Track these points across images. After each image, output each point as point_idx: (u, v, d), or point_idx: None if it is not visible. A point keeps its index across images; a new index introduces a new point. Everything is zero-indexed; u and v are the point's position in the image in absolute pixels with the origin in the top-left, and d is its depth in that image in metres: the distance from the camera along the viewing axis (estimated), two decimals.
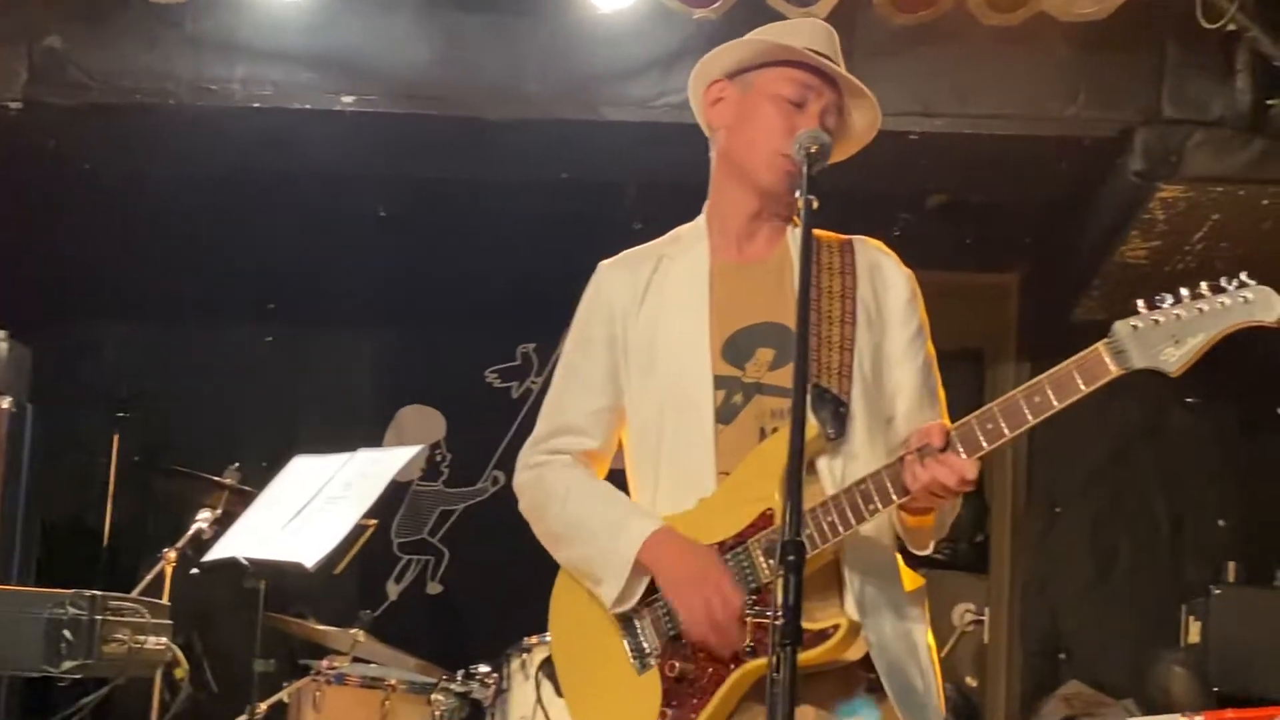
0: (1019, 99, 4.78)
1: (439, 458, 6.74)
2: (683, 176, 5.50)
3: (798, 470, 2.16)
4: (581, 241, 6.31)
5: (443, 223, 6.43)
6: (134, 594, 4.66)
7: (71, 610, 2.07)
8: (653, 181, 5.87)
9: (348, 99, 4.92)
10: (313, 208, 6.25)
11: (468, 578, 6.64)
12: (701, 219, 2.84)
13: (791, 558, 2.08)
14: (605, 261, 2.88)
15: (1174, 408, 6.25)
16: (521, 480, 2.81)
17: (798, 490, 2.15)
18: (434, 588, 6.67)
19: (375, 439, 6.71)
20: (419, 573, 6.69)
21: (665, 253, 2.82)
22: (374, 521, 3.95)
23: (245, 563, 3.86)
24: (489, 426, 6.69)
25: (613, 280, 2.82)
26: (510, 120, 5.04)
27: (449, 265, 6.55)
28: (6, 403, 4.85)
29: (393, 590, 6.65)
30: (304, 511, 3.96)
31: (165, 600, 4.44)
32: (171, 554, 4.77)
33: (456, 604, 6.62)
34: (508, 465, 6.47)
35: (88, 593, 2.08)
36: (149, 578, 4.78)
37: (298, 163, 5.62)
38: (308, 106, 4.93)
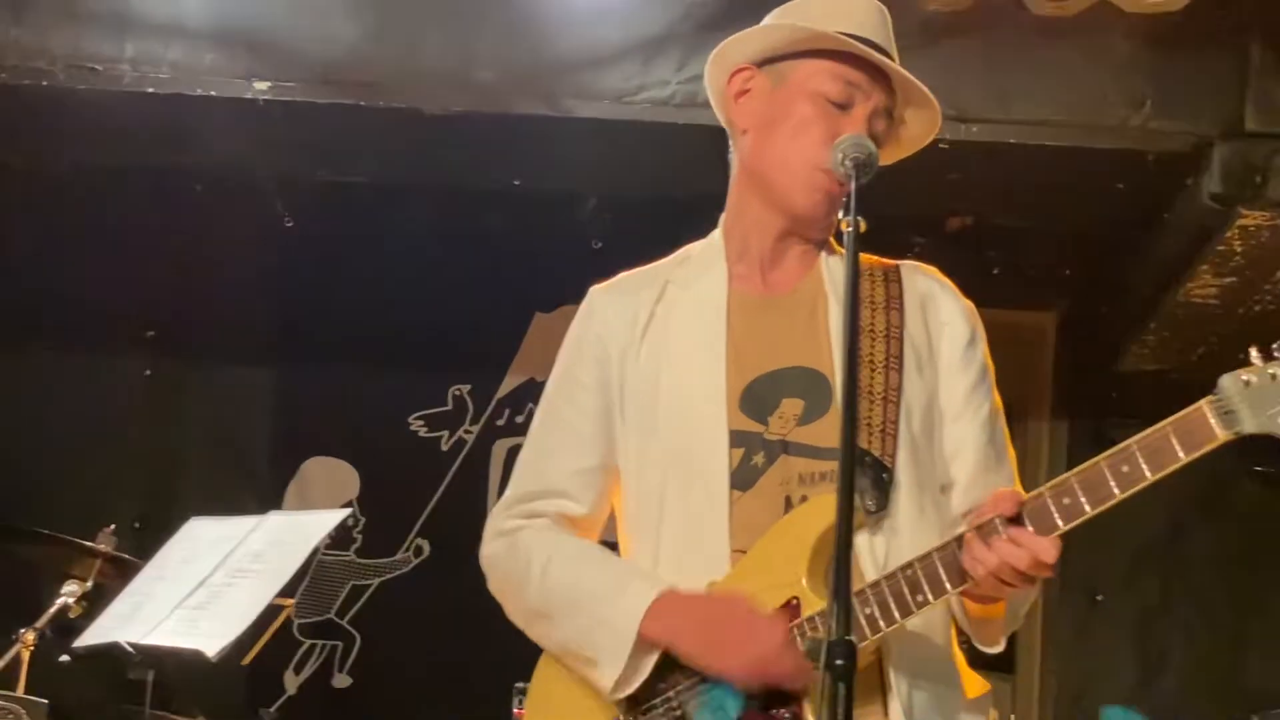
0: (1072, 104, 4.78)
1: (350, 521, 6.67)
2: (657, 189, 5.54)
3: (846, 551, 2.13)
4: (529, 262, 6.43)
5: (362, 236, 6.39)
6: None
7: None
8: (619, 193, 5.88)
9: (260, 85, 4.86)
10: (205, 215, 6.20)
11: (383, 669, 6.55)
12: (717, 237, 2.80)
13: (840, 662, 2.03)
14: (598, 286, 2.83)
15: (1240, 478, 6.27)
16: (490, 552, 2.75)
17: (846, 576, 2.11)
18: (342, 680, 6.58)
19: (274, 497, 6.64)
20: (323, 661, 6.60)
21: (672, 277, 2.77)
22: (290, 601, 3.88)
23: (130, 650, 3.77)
24: (413, 484, 6.65)
25: (607, 310, 2.77)
26: (454, 114, 5.00)
27: (368, 288, 6.50)
28: None
29: (291, 682, 6.55)
30: (203, 587, 3.88)
31: (20, 693, 4.34)
32: (29, 636, 4.65)
33: (368, 701, 6.53)
34: (435, 532, 6.63)
35: None
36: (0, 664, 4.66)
37: (191, 160, 5.58)
38: (211, 93, 4.87)
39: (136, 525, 5.89)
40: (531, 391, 6.76)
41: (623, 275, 2.83)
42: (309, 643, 6.56)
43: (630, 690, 2.53)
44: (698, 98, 4.77)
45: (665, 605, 2.51)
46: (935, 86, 2.73)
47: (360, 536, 6.65)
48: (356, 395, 6.72)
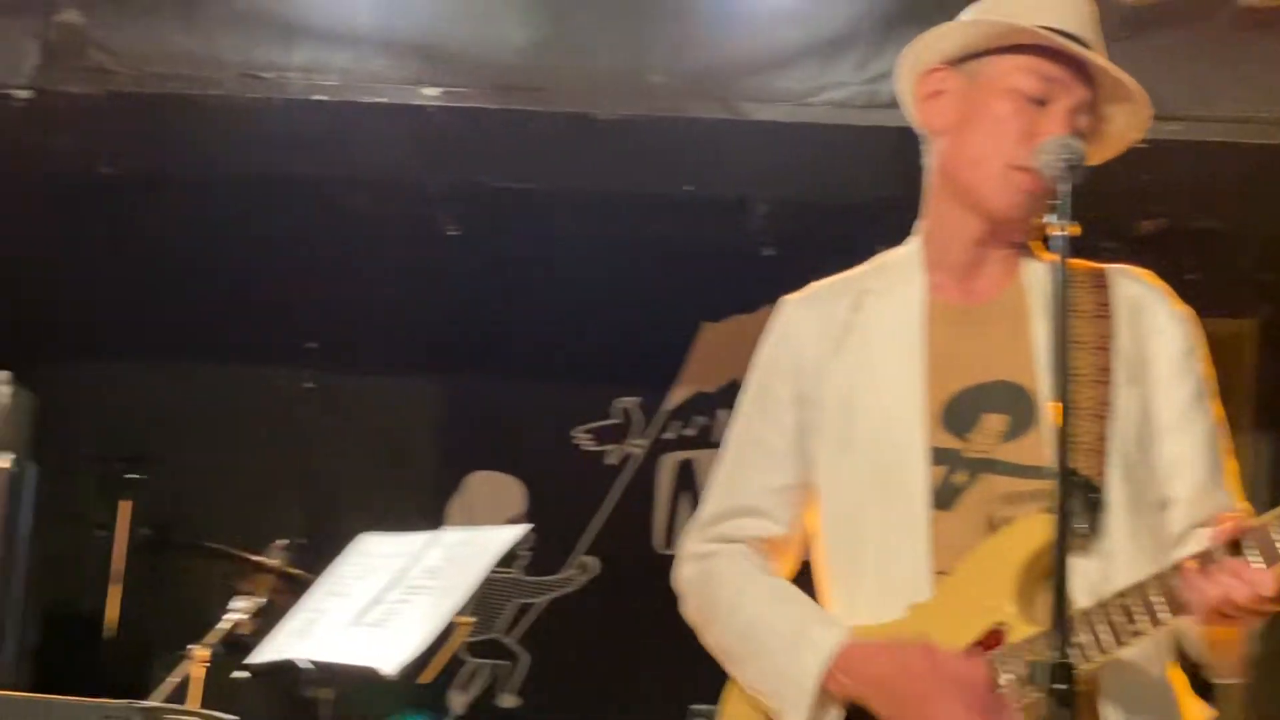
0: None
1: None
2: (832, 193, 5.53)
3: (1063, 574, 2.11)
4: (698, 271, 6.45)
5: (527, 245, 6.44)
6: (153, 701, 4.69)
7: None
8: (789, 198, 5.87)
9: (430, 91, 4.95)
10: (369, 224, 6.29)
11: (551, 689, 6.60)
12: (915, 245, 2.77)
13: (1062, 686, 2.01)
14: (790, 297, 2.82)
15: None
16: (685, 576, 2.75)
17: (1064, 599, 2.09)
18: (508, 700, 6.65)
19: (438, 512, 6.72)
20: (489, 681, 6.66)
21: (868, 287, 2.75)
22: (470, 619, 3.92)
23: (307, 666, 3.82)
24: (579, 499, 6.70)
25: (801, 322, 2.76)
26: (625, 118, 5.05)
27: (533, 298, 6.55)
28: (5, 460, 4.87)
29: (457, 702, 6.63)
30: (378, 604, 3.92)
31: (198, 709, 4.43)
32: (202, 652, 4.76)
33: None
34: (603, 549, 6.66)
35: (141, 704, 2.06)
36: (173, 682, 4.76)
37: (356, 168, 5.67)
38: (382, 100, 4.96)
39: (300, 540, 5.96)
40: (700, 404, 6.78)
41: (816, 285, 2.81)
42: (475, 662, 6.63)
43: None
44: (879, 98, 4.76)
45: (850, 659, 2.49)
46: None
47: (527, 554, 6.71)
48: (521, 407, 6.79)
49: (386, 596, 3.96)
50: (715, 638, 2.69)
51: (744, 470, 2.75)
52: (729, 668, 2.67)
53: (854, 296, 2.74)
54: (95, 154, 5.55)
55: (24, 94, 4.94)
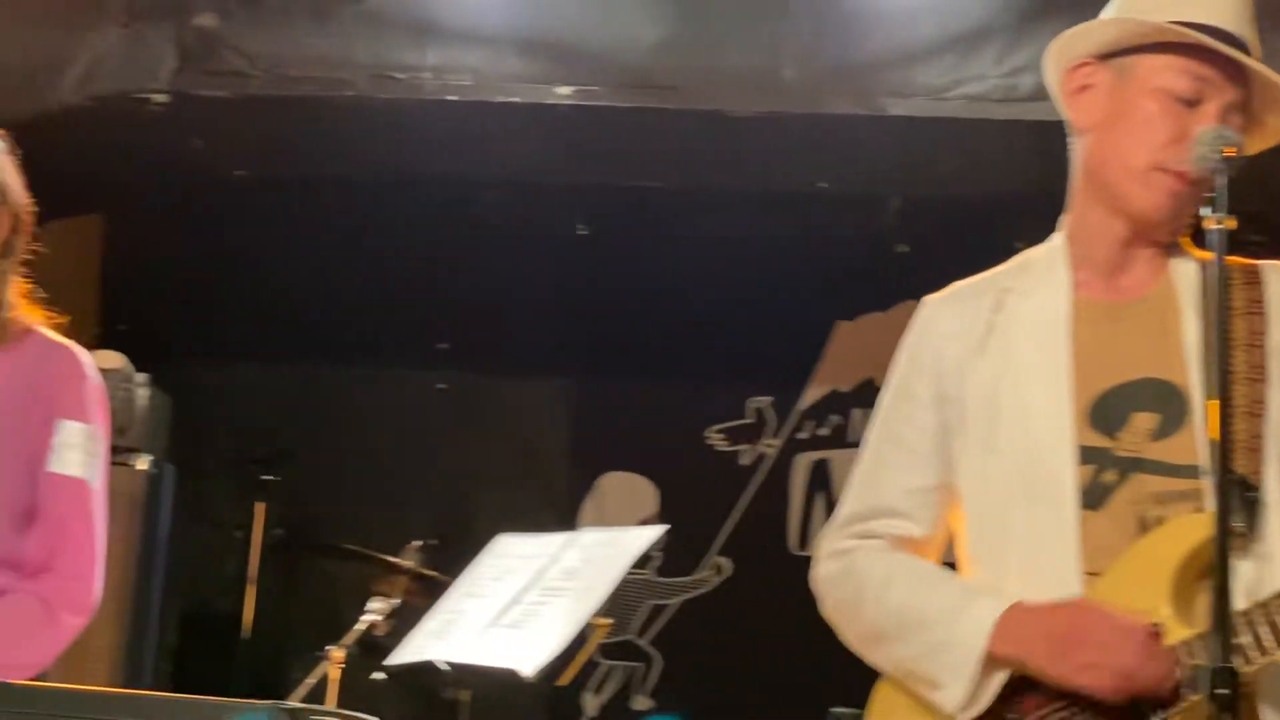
0: None
1: None
2: (968, 188, 5.48)
3: (1224, 575, 2.08)
4: (831, 268, 6.43)
5: (659, 243, 6.45)
6: (296, 696, 4.76)
7: None
8: (924, 194, 5.84)
9: (563, 90, 4.97)
10: (500, 224, 6.33)
11: (685, 691, 6.60)
12: (1058, 241, 2.74)
13: (1224, 691, 1.99)
14: (931, 297, 2.80)
15: None
16: (825, 574, 2.74)
17: (1225, 600, 2.06)
18: (642, 702, 6.66)
19: (571, 512, 6.75)
20: (623, 683, 6.68)
21: (1011, 286, 2.72)
22: (608, 621, 3.92)
23: (445, 668, 3.85)
24: (712, 500, 6.69)
25: (942, 321, 2.74)
26: (759, 115, 5.04)
27: (664, 297, 6.56)
28: (144, 462, 4.96)
29: (591, 704, 6.65)
30: (516, 605, 3.94)
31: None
32: (338, 653, 4.81)
33: None
34: (737, 549, 6.65)
35: (286, 705, 2.08)
36: (309, 683, 4.83)
37: (488, 169, 5.71)
38: (514, 100, 4.99)
39: (432, 541, 6.01)
40: (834, 403, 6.76)
41: (957, 284, 2.79)
42: (609, 663, 6.65)
43: (977, 712, 2.49)
44: (1017, 92, 4.72)
45: (1012, 620, 2.47)
46: None
47: (660, 554, 6.72)
48: (653, 407, 6.80)
49: (524, 598, 3.98)
50: (862, 625, 2.67)
51: (883, 471, 2.74)
52: (878, 652, 2.65)
53: (996, 295, 2.72)
54: (229, 157, 5.62)
55: (161, 98, 5.02)
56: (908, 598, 2.61)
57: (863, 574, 2.67)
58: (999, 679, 2.48)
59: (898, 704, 2.65)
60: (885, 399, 2.79)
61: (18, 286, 2.91)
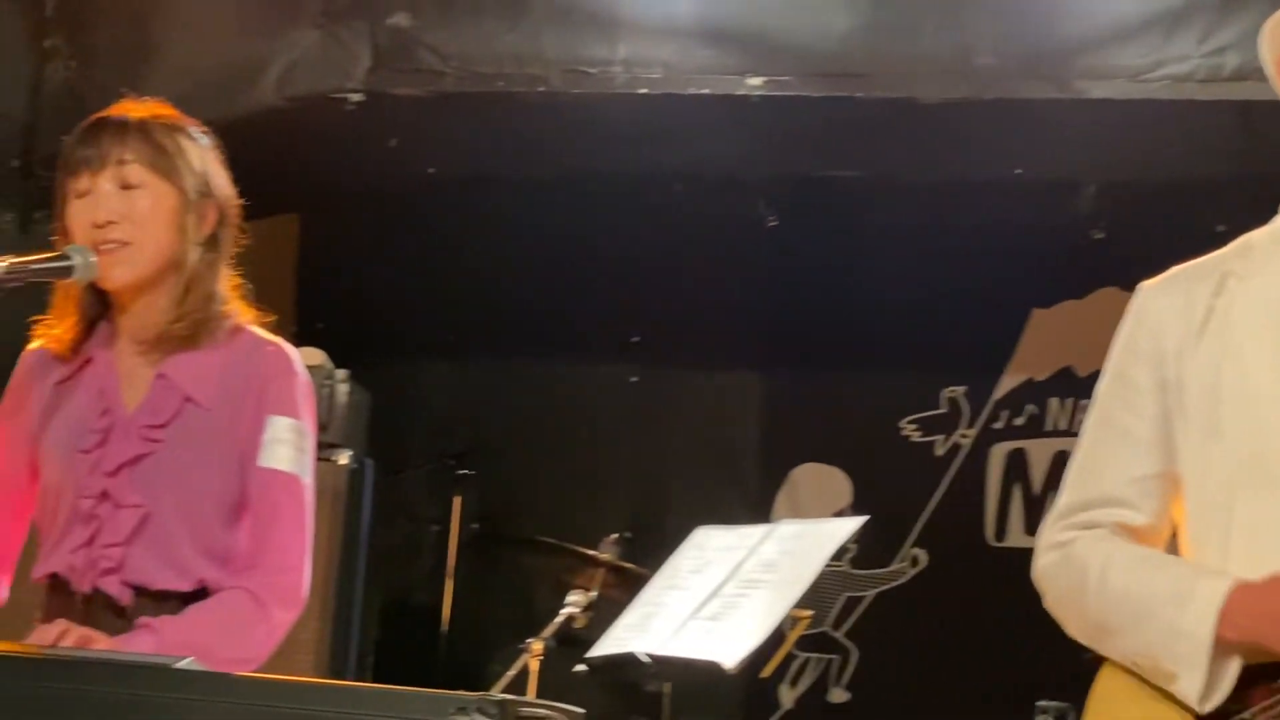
0: None
1: None
2: (1168, 172, 5.36)
3: None
4: (1026, 256, 6.33)
5: (849, 233, 6.42)
6: (496, 689, 4.80)
7: (477, 718, 2.07)
8: (1121, 179, 5.73)
9: (753, 81, 4.95)
10: (690, 217, 6.33)
11: (882, 684, 6.56)
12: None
13: None
14: (1147, 283, 2.75)
15: None
16: (1044, 566, 2.70)
17: None
18: (838, 695, 6.63)
19: (764, 505, 6.74)
20: (819, 675, 6.65)
21: (1231, 269, 2.66)
22: (808, 613, 3.92)
23: (645, 660, 3.88)
24: (906, 491, 6.64)
25: (1160, 307, 2.69)
26: (953, 101, 4.97)
27: (856, 288, 6.52)
28: (345, 458, 5.04)
29: (787, 696, 6.64)
30: (715, 597, 3.96)
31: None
32: (537, 645, 4.85)
33: (867, 717, 6.55)
34: (932, 541, 6.59)
35: (495, 696, 2.09)
36: (509, 674, 4.87)
37: (678, 162, 5.71)
38: (705, 92, 4.99)
39: (626, 534, 6.04)
40: (1030, 392, 6.67)
41: (1174, 270, 2.74)
42: (804, 656, 6.63)
43: (1219, 700, 2.43)
44: (1221, 72, 4.62)
45: (1241, 601, 2.42)
46: None
47: (854, 546, 6.68)
48: (846, 398, 6.76)
49: (724, 590, 4.00)
50: (1085, 616, 2.63)
51: (1104, 460, 2.69)
52: (1105, 645, 2.60)
53: (1216, 280, 2.66)
54: (422, 155, 5.68)
55: (356, 98, 5.09)
56: (1128, 585, 2.56)
57: (1082, 562, 2.63)
58: (1235, 666, 2.42)
59: (1120, 689, 2.59)
60: (1102, 387, 2.75)
61: (228, 280, 2.96)
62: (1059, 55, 4.82)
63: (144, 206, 2.81)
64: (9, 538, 2.99)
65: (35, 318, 2.95)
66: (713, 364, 6.84)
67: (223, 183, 2.94)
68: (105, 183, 2.80)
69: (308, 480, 2.91)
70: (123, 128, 2.83)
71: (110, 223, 2.78)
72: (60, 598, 2.85)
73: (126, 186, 2.80)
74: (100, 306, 2.92)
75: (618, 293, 6.67)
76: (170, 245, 2.84)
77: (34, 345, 2.98)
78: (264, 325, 3.00)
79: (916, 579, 6.60)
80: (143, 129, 2.84)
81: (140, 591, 2.80)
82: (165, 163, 2.83)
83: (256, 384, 2.87)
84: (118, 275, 2.82)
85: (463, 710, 2.08)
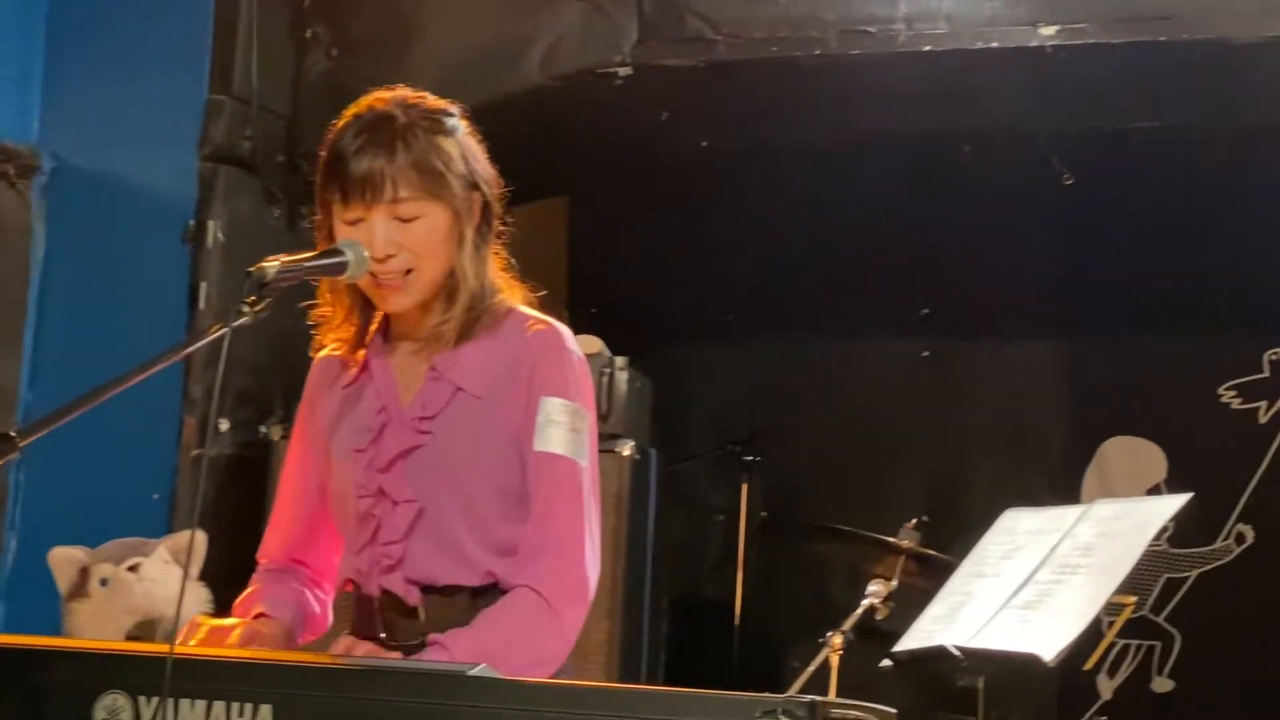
0: None
1: None
2: None
3: None
4: None
5: (1149, 188, 6.25)
6: (792, 691, 4.78)
7: None
8: None
9: (1046, 30, 4.85)
10: (979, 179, 6.25)
11: (1210, 672, 6.38)
12: None
13: None
14: None
15: None
16: None
17: None
18: (1162, 684, 6.47)
19: (1071, 483, 6.60)
20: (1140, 663, 6.50)
21: None
22: (1131, 599, 3.82)
23: (956, 654, 3.82)
24: (1227, 463, 6.46)
25: None
26: (1270, 39, 4.80)
27: (1161, 245, 6.35)
28: (628, 448, 5.06)
29: (1105, 686, 6.50)
30: (1029, 584, 3.88)
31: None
32: (837, 639, 4.82)
33: (1194, 707, 6.39)
34: (1259, 516, 6.40)
35: (803, 697, 2.06)
36: (809, 670, 4.85)
37: (959, 120, 5.63)
38: (994, 45, 4.90)
39: (924, 518, 5.98)
40: None
41: None
42: (1123, 642, 6.48)
43: None
44: None
45: None
46: None
47: (1171, 525, 6.48)
48: (1156, 365, 6.58)
49: (1038, 576, 3.93)
50: None
51: None
52: None
53: None
54: (694, 127, 5.69)
55: (624, 72, 5.11)
56: None
57: None
58: None
59: None
60: None
61: (497, 264, 2.97)
62: None
63: (421, 235, 2.82)
64: (328, 551, 3.05)
65: (305, 304, 2.99)
66: (1010, 334, 6.72)
67: (482, 165, 2.94)
68: (380, 217, 2.82)
69: (585, 464, 2.87)
70: (391, 150, 2.82)
71: (390, 256, 2.81)
72: (355, 603, 2.91)
73: (402, 219, 2.82)
74: (372, 305, 2.96)
75: (905, 263, 6.60)
76: (448, 261, 2.86)
77: (322, 353, 3.04)
78: (534, 303, 2.99)
79: (1242, 557, 6.40)
80: (410, 147, 2.82)
81: (426, 589, 2.84)
82: (436, 185, 2.83)
83: (526, 366, 2.87)
84: (398, 303, 2.87)
85: (769, 713, 2.06)
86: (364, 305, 2.97)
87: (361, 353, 2.97)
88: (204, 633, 2.77)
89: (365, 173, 2.80)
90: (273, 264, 2.62)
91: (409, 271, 2.82)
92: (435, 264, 2.85)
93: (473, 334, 2.89)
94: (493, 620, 2.78)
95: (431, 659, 2.68)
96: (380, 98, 2.91)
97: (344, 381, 2.99)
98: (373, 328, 2.98)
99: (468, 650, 2.66)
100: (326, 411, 3.01)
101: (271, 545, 3.09)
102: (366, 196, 2.80)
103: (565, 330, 2.95)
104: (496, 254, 2.98)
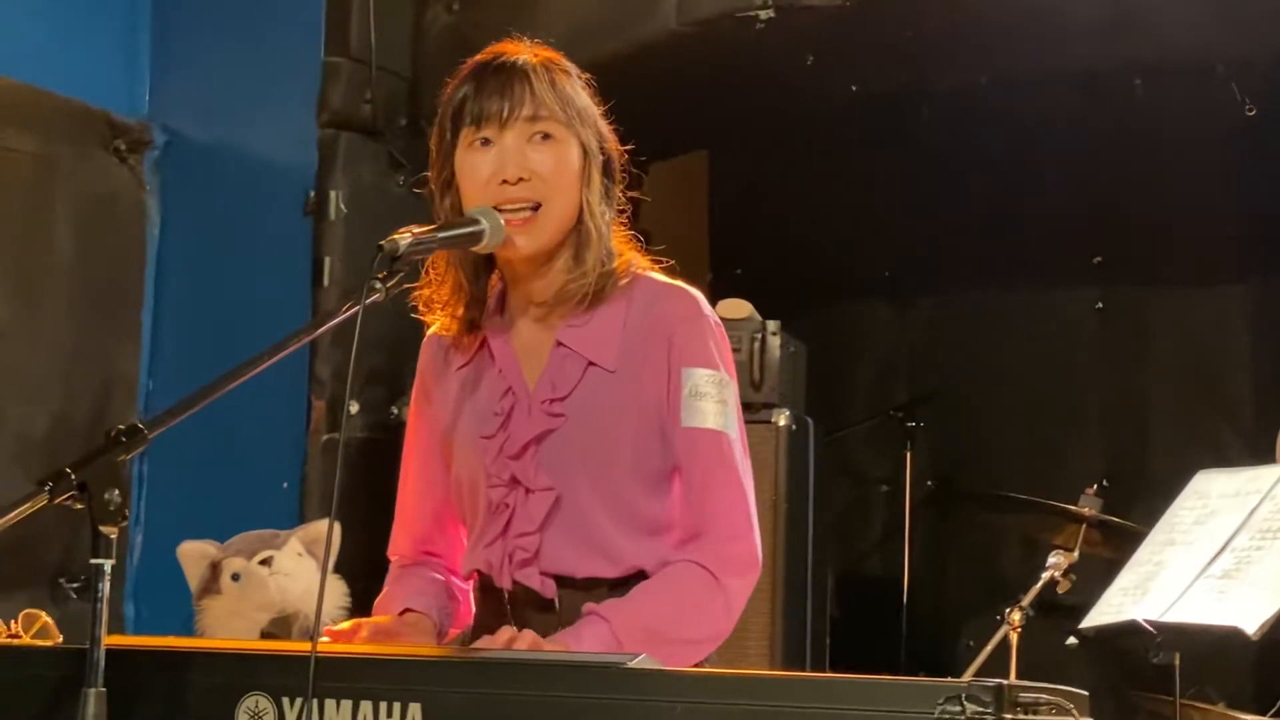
0: None
1: None
2: None
3: None
4: None
5: None
6: (972, 670, 4.74)
7: (970, 708, 2.00)
8: None
9: None
10: (1153, 113, 6.15)
11: None
12: None
13: None
14: None
15: None
16: None
17: None
18: None
19: (1264, 440, 6.47)
20: None
21: None
22: None
23: (1148, 628, 3.74)
24: None
25: None
26: None
27: None
28: (783, 417, 5.03)
29: None
30: (1226, 551, 3.79)
31: (1012, 679, 4.42)
32: (1015, 615, 4.76)
33: None
34: None
35: (988, 681, 2.02)
36: (986, 649, 4.80)
37: (1136, 52, 5.56)
38: None
39: (1105, 483, 5.90)
40: None
41: None
42: None
43: None
44: None
45: None
46: None
47: None
48: None
49: (1235, 543, 3.83)
50: None
51: None
52: None
53: None
54: (842, 71, 5.64)
55: (765, 14, 5.05)
56: None
57: None
58: None
59: None
60: None
61: (620, 234, 2.94)
62: None
63: (553, 162, 2.80)
64: (457, 540, 3.04)
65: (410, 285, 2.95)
66: (1191, 280, 6.61)
67: (608, 131, 2.92)
68: (513, 136, 2.80)
69: (736, 434, 2.86)
70: (528, 74, 2.82)
71: (521, 179, 2.78)
72: (486, 596, 2.90)
73: (535, 140, 2.81)
74: (487, 276, 2.94)
75: (1074, 208, 6.53)
76: (575, 204, 2.83)
77: (431, 331, 3.01)
78: (665, 270, 2.96)
79: None
80: (549, 76, 2.83)
81: (563, 582, 2.82)
82: (572, 114, 2.82)
83: (662, 335, 2.83)
84: (524, 244, 2.80)
85: (953, 699, 2.02)
86: (480, 278, 2.94)
87: (474, 330, 2.94)
88: (366, 632, 2.78)
89: (503, 87, 2.79)
90: (404, 236, 2.59)
91: (537, 207, 2.80)
92: (565, 200, 2.81)
93: (599, 301, 2.86)
94: (654, 592, 2.75)
95: (590, 631, 2.67)
96: (505, 47, 2.90)
97: (459, 362, 2.96)
98: (490, 302, 2.95)
99: (628, 625, 2.66)
100: (444, 396, 2.97)
101: (401, 542, 3.08)
102: (504, 111, 2.78)
103: (699, 294, 2.91)
104: (619, 223, 2.95)
